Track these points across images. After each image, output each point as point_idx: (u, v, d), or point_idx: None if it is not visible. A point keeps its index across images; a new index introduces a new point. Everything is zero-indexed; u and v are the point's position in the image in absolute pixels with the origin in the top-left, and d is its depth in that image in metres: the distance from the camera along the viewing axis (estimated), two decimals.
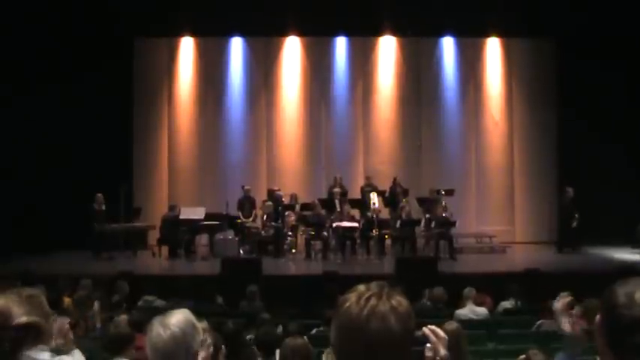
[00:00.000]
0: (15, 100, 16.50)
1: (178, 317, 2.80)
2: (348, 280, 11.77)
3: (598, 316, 2.04)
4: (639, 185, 16.65)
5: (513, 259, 16.39)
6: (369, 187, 17.32)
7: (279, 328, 7.81)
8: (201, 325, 2.90)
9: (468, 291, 9.79)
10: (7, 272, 12.18)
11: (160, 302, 10.38)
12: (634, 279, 2.03)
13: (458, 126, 19.32)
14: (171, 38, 19.05)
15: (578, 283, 7.01)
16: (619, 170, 17.06)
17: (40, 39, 16.68)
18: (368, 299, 1.90)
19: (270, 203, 16.63)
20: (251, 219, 16.82)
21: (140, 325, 6.38)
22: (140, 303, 10.17)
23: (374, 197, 16.59)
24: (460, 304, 9.81)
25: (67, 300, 9.36)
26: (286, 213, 16.58)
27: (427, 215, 16.50)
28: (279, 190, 17.34)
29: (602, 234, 16.57)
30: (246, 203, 17.01)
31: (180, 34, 18.93)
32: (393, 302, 1.91)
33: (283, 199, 16.88)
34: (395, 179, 17.35)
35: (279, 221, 16.33)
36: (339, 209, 16.35)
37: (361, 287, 1.96)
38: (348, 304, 1.92)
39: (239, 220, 16.63)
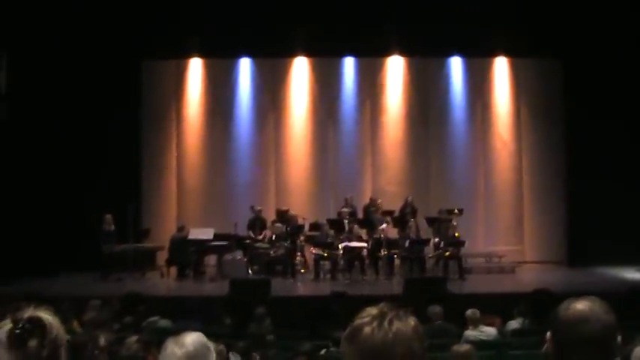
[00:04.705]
0: (21, 121, 16.58)
1: (193, 337, 2.82)
2: (357, 301, 11.76)
3: (548, 334, 2.36)
4: None
5: (523, 278, 16.34)
6: (373, 207, 17.30)
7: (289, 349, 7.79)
8: (218, 347, 2.90)
9: (472, 313, 9.70)
10: (13, 294, 12.15)
11: (163, 322, 10.35)
12: (576, 299, 2.35)
13: (466, 146, 19.30)
14: (180, 60, 19.11)
15: None
16: (629, 189, 17.00)
17: (47, 61, 16.77)
18: (391, 322, 1.86)
19: (280, 225, 16.63)
20: (261, 238, 16.81)
21: (149, 346, 6.37)
22: (144, 324, 10.13)
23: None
24: (469, 325, 9.75)
25: (74, 322, 9.34)
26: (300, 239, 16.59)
27: (436, 235, 16.50)
28: (287, 210, 17.36)
29: (612, 253, 16.49)
30: (258, 223, 17.00)
31: (189, 55, 19.00)
32: (412, 323, 1.88)
33: (300, 220, 16.92)
34: (407, 199, 17.32)
35: (289, 242, 16.34)
36: (347, 229, 16.34)
37: (373, 310, 1.91)
38: (368, 328, 1.86)
39: (248, 241, 16.62)
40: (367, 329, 1.86)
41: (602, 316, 2.31)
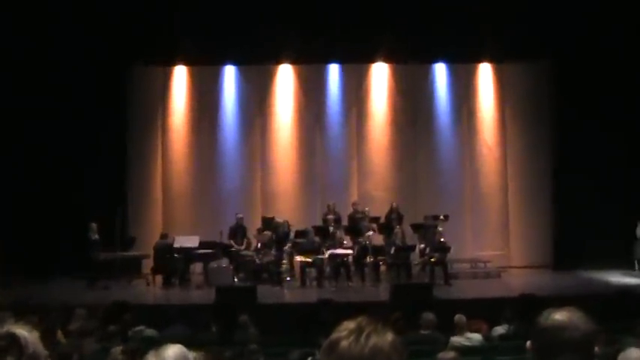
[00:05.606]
0: (6, 128, 16.52)
1: (174, 350, 2.80)
2: (344, 308, 11.77)
3: (528, 343, 2.52)
4: (636, 207, 16.65)
5: (509, 283, 16.37)
6: (359, 213, 17.28)
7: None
8: (197, 355, 2.89)
9: (459, 318, 9.72)
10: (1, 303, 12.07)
11: (149, 331, 10.32)
12: (556, 309, 2.51)
13: (452, 151, 19.34)
14: (165, 67, 19.08)
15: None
16: (615, 194, 17.07)
17: (32, 66, 16.72)
18: (368, 337, 1.86)
19: (266, 232, 16.62)
20: (243, 247, 16.80)
21: (134, 356, 6.35)
22: (130, 333, 10.10)
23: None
24: (455, 331, 9.75)
25: (59, 332, 9.30)
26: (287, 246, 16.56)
27: (422, 241, 16.53)
28: (273, 217, 17.38)
29: (598, 257, 16.56)
30: (239, 231, 16.99)
31: (174, 62, 18.96)
32: (389, 337, 1.89)
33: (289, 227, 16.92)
34: (392, 205, 17.36)
35: (275, 249, 16.33)
36: (332, 236, 16.35)
37: (351, 324, 1.91)
38: (345, 342, 1.86)
39: (233, 249, 16.62)
40: (344, 343, 1.86)
41: (580, 325, 2.41)
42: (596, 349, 2.43)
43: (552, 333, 2.41)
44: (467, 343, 9.31)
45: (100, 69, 17.39)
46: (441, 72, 19.36)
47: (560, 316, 2.46)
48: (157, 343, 2.93)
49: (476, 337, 9.56)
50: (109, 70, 17.64)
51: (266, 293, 14.56)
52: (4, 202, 16.16)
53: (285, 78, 19.21)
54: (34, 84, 16.78)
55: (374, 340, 1.85)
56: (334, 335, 1.90)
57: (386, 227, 16.91)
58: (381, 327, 1.90)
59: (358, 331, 1.88)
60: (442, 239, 16.22)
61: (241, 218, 17.21)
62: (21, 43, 16.60)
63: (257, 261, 16.30)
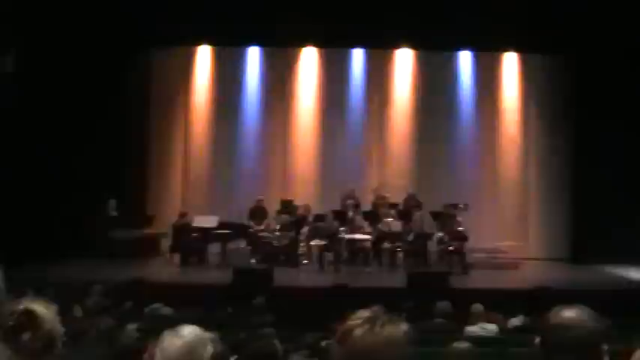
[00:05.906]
0: (30, 106, 16.55)
1: (190, 330, 2.82)
2: (359, 293, 11.79)
3: (537, 339, 2.55)
4: None
5: (526, 275, 16.27)
6: (381, 199, 17.28)
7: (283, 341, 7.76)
8: (212, 336, 2.90)
9: (475, 307, 9.70)
10: (19, 279, 12.14)
11: (166, 310, 10.38)
12: (565, 306, 2.51)
13: (473, 140, 19.23)
14: (189, 47, 19.09)
15: (589, 302, 6.92)
16: (636, 188, 16.95)
17: (55, 48, 16.73)
18: (383, 326, 1.87)
19: (285, 215, 16.66)
20: (262, 228, 16.84)
21: (149, 334, 6.39)
22: (147, 311, 10.16)
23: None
24: (470, 321, 9.74)
25: (77, 307, 9.36)
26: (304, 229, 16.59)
27: (440, 229, 16.49)
28: (292, 200, 17.42)
29: (616, 251, 16.46)
30: (258, 213, 17.04)
31: (198, 43, 18.97)
32: (403, 327, 1.89)
33: (304, 210, 16.95)
34: (409, 192, 17.37)
35: (293, 232, 16.37)
36: (351, 221, 16.35)
37: (366, 312, 1.92)
38: (359, 331, 1.87)
39: (251, 230, 16.67)
40: (358, 331, 1.86)
41: (588, 324, 2.41)
42: (606, 347, 2.42)
43: (560, 331, 2.42)
44: (482, 333, 9.30)
45: (123, 49, 17.38)
46: (465, 60, 19.24)
47: (568, 313, 2.46)
48: (173, 323, 2.94)
49: (491, 328, 9.54)
50: (132, 49, 17.67)
51: (282, 276, 14.56)
52: (23, 180, 16.20)
53: (309, 61, 19.17)
54: (57, 64, 16.71)
55: (388, 329, 1.86)
56: (348, 323, 1.90)
57: (405, 214, 16.89)
58: (396, 317, 1.90)
59: (373, 320, 1.88)
60: (460, 228, 16.17)
61: (261, 200, 17.27)
62: (42, 25, 16.55)
63: (275, 243, 16.35)
